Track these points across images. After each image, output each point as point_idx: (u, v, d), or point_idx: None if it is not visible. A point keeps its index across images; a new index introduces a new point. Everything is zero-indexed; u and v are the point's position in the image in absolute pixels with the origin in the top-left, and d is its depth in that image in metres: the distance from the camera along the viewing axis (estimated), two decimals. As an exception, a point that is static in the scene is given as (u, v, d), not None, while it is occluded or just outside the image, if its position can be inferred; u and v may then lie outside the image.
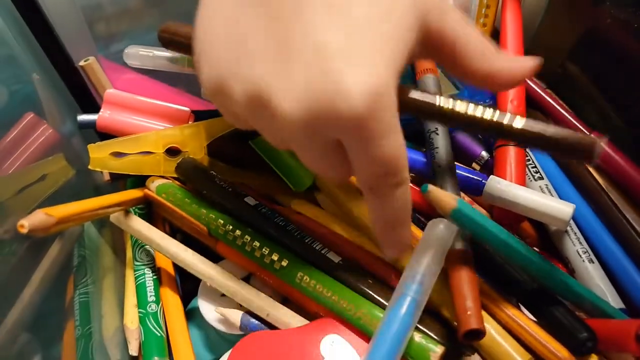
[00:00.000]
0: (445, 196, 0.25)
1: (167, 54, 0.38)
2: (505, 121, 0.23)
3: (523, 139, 0.23)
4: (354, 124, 0.19)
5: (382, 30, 0.20)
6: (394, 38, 0.20)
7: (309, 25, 0.19)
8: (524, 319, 0.27)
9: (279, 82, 0.20)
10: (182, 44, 0.28)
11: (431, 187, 0.25)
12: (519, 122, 0.23)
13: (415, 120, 0.36)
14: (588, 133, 0.22)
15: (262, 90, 0.20)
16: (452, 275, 0.26)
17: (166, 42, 0.29)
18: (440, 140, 0.33)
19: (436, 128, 0.33)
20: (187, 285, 0.35)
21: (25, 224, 0.25)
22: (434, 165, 0.32)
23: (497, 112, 0.24)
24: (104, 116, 0.37)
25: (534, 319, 0.27)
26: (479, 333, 0.25)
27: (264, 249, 0.30)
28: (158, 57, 0.38)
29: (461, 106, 0.24)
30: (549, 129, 0.23)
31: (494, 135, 0.24)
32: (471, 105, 0.24)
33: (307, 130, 0.20)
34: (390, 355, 0.24)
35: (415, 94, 0.24)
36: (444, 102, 0.24)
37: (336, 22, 0.19)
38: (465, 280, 0.26)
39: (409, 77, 0.39)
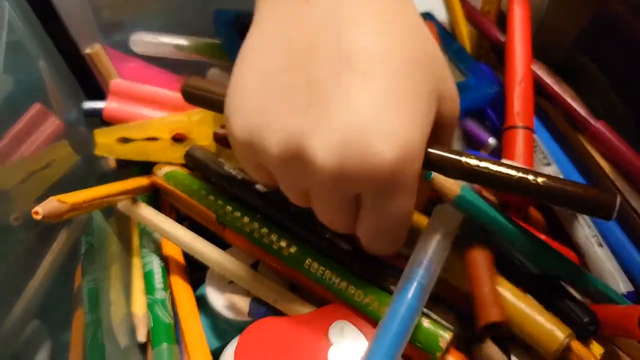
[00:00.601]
0: (449, 183, 0.25)
1: (174, 40, 0.38)
2: (531, 178, 0.23)
3: (547, 195, 0.23)
4: (379, 179, 0.21)
5: (414, 101, 0.22)
6: (423, 108, 0.22)
7: (349, 91, 0.21)
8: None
9: (317, 134, 0.21)
10: (205, 99, 0.28)
11: (435, 175, 0.25)
12: (542, 179, 0.23)
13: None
14: (609, 189, 0.23)
15: (299, 140, 0.21)
16: (472, 268, 0.26)
17: (189, 96, 0.29)
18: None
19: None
20: (195, 273, 0.35)
21: (40, 210, 0.26)
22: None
23: (520, 170, 0.24)
24: (110, 107, 0.37)
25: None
26: (499, 326, 0.25)
27: (272, 236, 0.30)
28: (164, 44, 0.38)
29: (485, 164, 0.24)
30: (569, 186, 0.23)
31: (519, 193, 0.24)
32: (495, 164, 0.24)
33: (335, 180, 0.21)
34: (398, 339, 0.24)
35: (440, 151, 0.24)
36: (469, 160, 0.24)
37: (374, 91, 0.21)
38: (485, 274, 0.26)
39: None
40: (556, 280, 0.27)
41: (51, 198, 0.27)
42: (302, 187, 0.24)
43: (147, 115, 0.37)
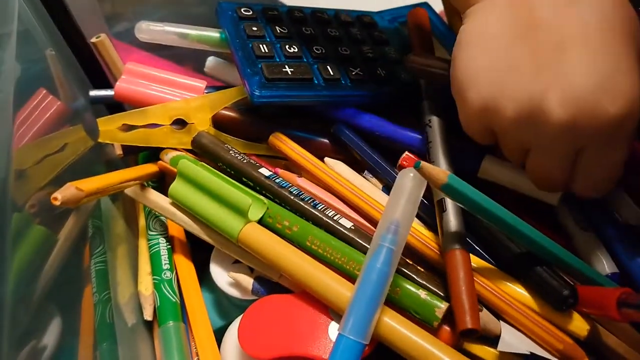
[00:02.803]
0: (436, 171, 0.26)
1: (178, 29, 0.39)
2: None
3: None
4: (604, 131, 0.25)
5: (628, 69, 0.25)
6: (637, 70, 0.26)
7: (573, 59, 0.25)
8: (524, 308, 0.28)
9: (551, 94, 0.25)
10: (434, 74, 0.33)
11: (423, 164, 0.25)
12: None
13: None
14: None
15: (534, 101, 0.25)
16: (450, 276, 0.27)
17: (418, 71, 0.34)
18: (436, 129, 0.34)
19: (429, 120, 0.34)
20: (199, 255, 0.36)
21: (59, 196, 0.27)
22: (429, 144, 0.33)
23: None
24: (122, 85, 0.38)
25: (521, 285, 0.29)
26: (475, 331, 0.26)
27: (276, 215, 0.31)
28: (169, 32, 0.38)
29: None
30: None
31: None
32: None
33: (566, 132, 0.25)
34: (371, 307, 0.25)
35: None
36: None
37: (597, 58, 0.25)
38: (462, 281, 0.27)
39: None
40: (539, 259, 0.28)
41: (69, 184, 0.28)
42: (527, 144, 0.27)
43: (157, 96, 0.38)
